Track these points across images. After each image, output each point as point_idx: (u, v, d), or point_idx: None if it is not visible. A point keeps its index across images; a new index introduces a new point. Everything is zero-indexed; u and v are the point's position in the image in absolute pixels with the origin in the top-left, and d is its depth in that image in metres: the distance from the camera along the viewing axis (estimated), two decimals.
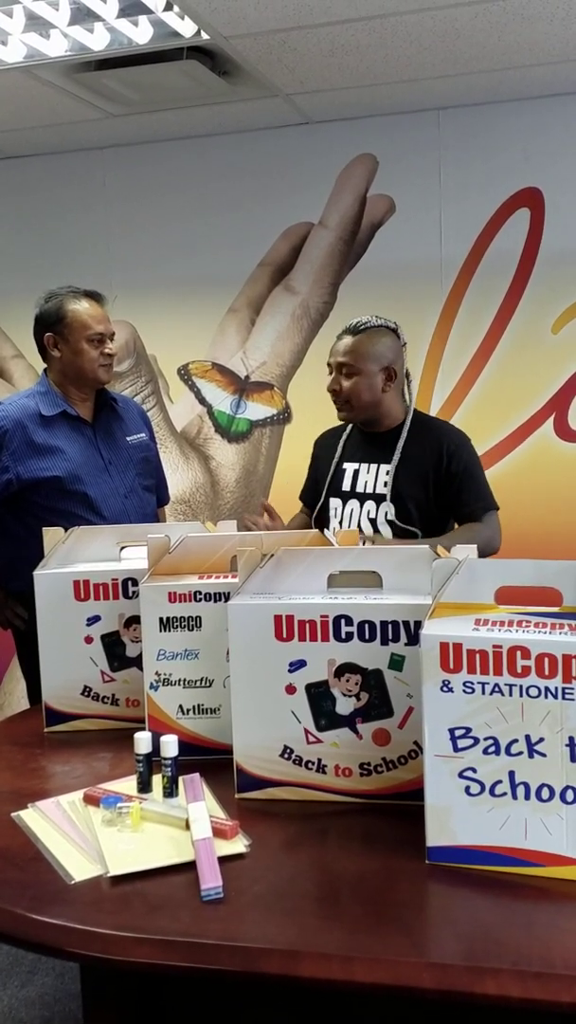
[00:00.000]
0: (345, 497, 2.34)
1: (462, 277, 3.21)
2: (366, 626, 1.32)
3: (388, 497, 2.26)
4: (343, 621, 1.32)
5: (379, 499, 2.28)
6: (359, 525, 2.31)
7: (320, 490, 2.41)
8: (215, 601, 1.49)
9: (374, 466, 2.31)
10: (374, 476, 2.30)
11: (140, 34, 2.35)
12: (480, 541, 2.18)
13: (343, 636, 1.33)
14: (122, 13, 2.24)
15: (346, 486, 2.34)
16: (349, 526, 2.33)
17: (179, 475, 3.50)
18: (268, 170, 3.35)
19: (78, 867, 1.20)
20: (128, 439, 2.38)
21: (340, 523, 2.35)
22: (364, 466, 2.33)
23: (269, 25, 2.34)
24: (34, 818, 1.35)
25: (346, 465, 2.37)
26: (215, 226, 3.41)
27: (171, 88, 2.77)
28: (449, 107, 3.14)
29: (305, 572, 1.39)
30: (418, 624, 1.28)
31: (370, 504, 2.29)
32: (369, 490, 2.30)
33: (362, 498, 2.31)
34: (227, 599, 1.39)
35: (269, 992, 1.29)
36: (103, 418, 2.36)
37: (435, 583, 1.21)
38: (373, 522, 2.29)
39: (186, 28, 2.34)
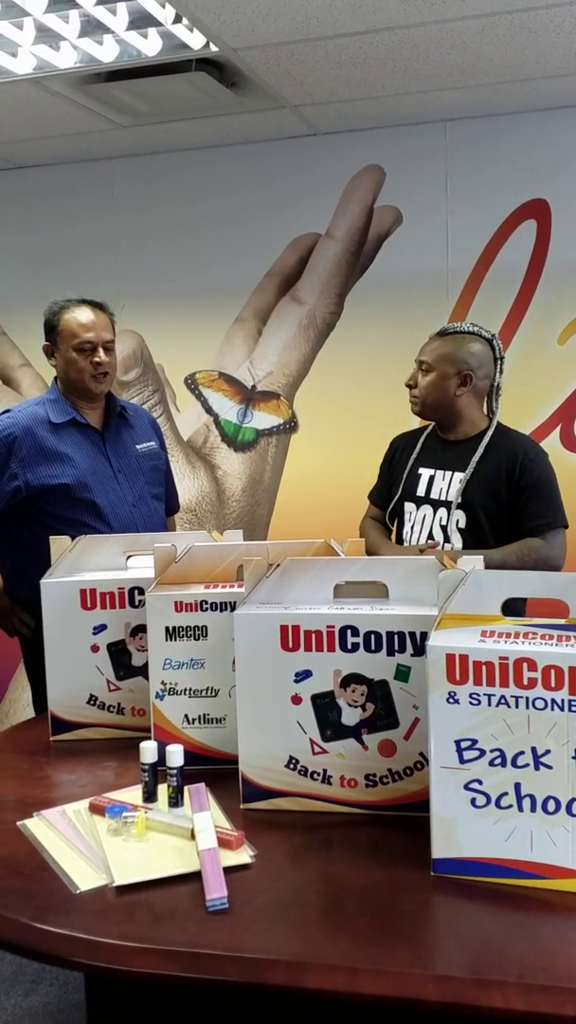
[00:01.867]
0: (419, 502, 2.37)
1: (468, 288, 3.22)
2: (372, 636, 1.32)
3: (460, 505, 2.28)
4: (349, 631, 1.33)
5: (451, 507, 2.29)
6: (430, 531, 2.33)
7: (393, 492, 2.44)
8: (221, 610, 1.49)
9: (449, 473, 2.33)
10: (448, 484, 2.32)
11: (149, 46, 2.37)
12: (533, 558, 2.19)
13: (349, 646, 1.33)
14: (131, 25, 2.26)
15: (420, 491, 2.37)
16: (421, 532, 2.35)
17: (185, 484, 3.51)
18: (275, 181, 3.36)
19: (83, 876, 1.20)
20: (138, 447, 2.38)
21: (412, 528, 2.37)
22: (440, 473, 2.35)
23: (277, 37, 2.36)
24: (39, 827, 1.35)
25: (422, 470, 2.39)
26: (222, 236, 3.43)
27: (179, 99, 2.78)
28: (456, 119, 3.15)
29: (311, 582, 1.39)
30: (424, 635, 1.28)
31: (442, 512, 2.31)
32: (442, 497, 2.32)
33: (435, 505, 2.33)
34: (233, 608, 1.39)
35: (273, 1002, 1.29)
36: (113, 426, 2.36)
37: (441, 594, 1.21)
38: (444, 529, 2.30)
39: (195, 40, 2.35)
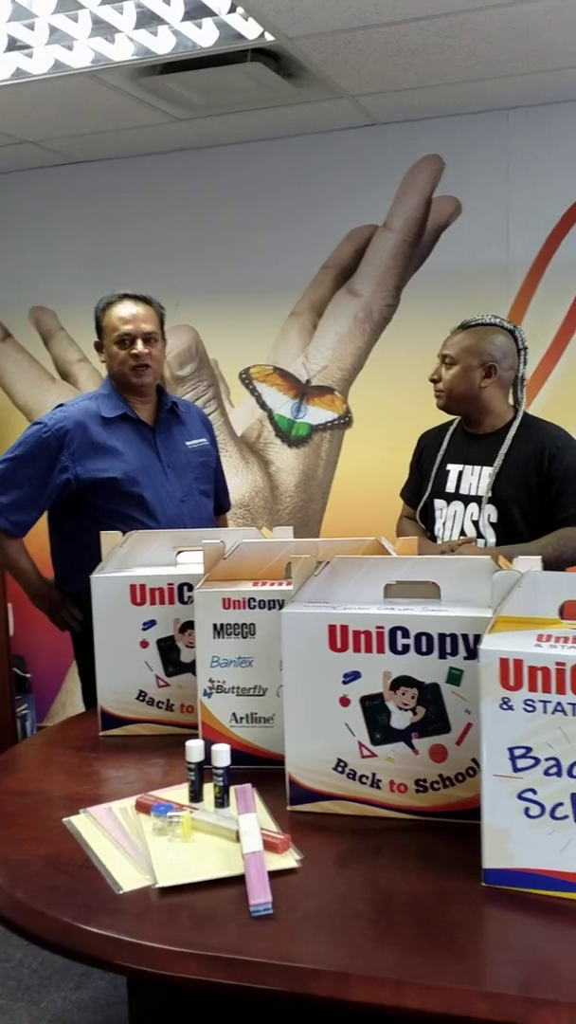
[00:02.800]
0: (449, 498, 2.35)
1: (529, 280, 3.14)
2: (423, 638, 1.28)
3: (491, 500, 2.25)
4: (399, 632, 1.29)
5: (482, 502, 2.27)
6: (462, 528, 2.31)
7: (423, 489, 2.41)
8: (269, 608, 1.47)
9: (478, 468, 2.30)
10: (477, 478, 2.29)
11: (204, 37, 2.35)
12: (570, 547, 2.14)
13: (399, 648, 1.29)
14: (186, 16, 2.24)
15: (450, 487, 2.35)
16: (453, 528, 2.33)
17: (238, 479, 3.50)
18: (332, 172, 3.32)
19: (127, 876, 1.19)
20: (188, 443, 2.37)
21: (443, 524, 2.35)
22: (468, 468, 2.32)
23: (334, 25, 2.32)
24: (85, 824, 1.35)
25: (450, 466, 2.36)
26: (278, 229, 3.40)
27: (236, 91, 2.76)
28: (518, 107, 3.08)
29: (361, 581, 1.36)
30: (477, 638, 1.24)
31: (473, 507, 2.29)
32: (472, 492, 2.30)
33: (465, 500, 2.31)
34: (282, 607, 1.37)
35: (317, 1011, 1.26)
36: (164, 421, 2.35)
37: (495, 596, 1.17)
38: (476, 525, 2.28)
39: (250, 30, 2.33)
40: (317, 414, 3.43)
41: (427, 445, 2.49)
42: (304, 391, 3.43)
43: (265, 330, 3.46)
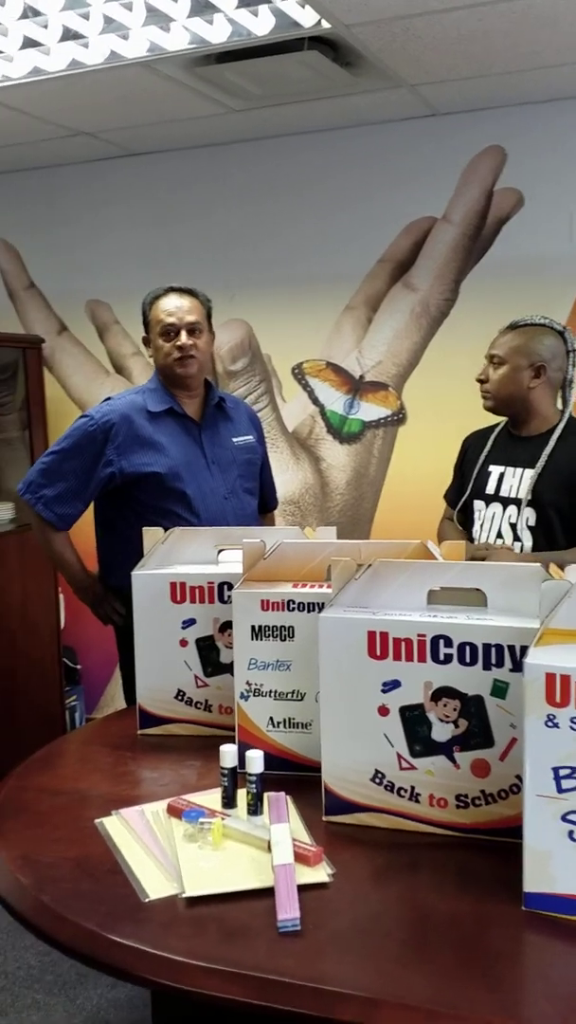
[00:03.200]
0: (488, 500, 2.31)
1: None
2: (467, 648, 1.23)
3: (530, 503, 2.20)
4: (442, 641, 1.24)
5: (521, 504, 2.23)
6: (499, 530, 2.26)
7: (464, 490, 2.38)
8: (309, 611, 1.43)
9: (519, 470, 2.26)
10: (518, 480, 2.25)
11: (260, 25, 2.31)
12: None
13: (441, 658, 1.24)
14: (241, 3, 2.20)
15: (490, 489, 2.31)
16: (491, 530, 2.29)
17: (289, 476, 3.46)
18: (391, 164, 3.26)
19: (155, 884, 1.17)
20: (234, 440, 2.34)
21: (482, 526, 2.31)
22: (510, 470, 2.29)
23: (392, 11, 2.26)
24: (116, 827, 1.33)
25: (492, 467, 2.33)
26: (334, 222, 3.35)
27: (293, 80, 2.71)
28: None
29: (403, 586, 1.31)
30: (524, 649, 1.18)
31: (512, 509, 2.25)
32: (512, 494, 2.26)
33: (505, 502, 2.27)
34: (321, 609, 1.32)
35: None
36: (210, 417, 2.33)
37: (544, 606, 1.11)
38: (514, 528, 2.23)
39: (307, 17, 2.28)
40: (370, 410, 3.37)
41: (471, 446, 2.46)
42: (357, 387, 3.37)
43: (319, 324, 3.41)
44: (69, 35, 2.36)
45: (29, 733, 3.28)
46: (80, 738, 1.81)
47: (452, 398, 3.21)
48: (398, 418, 3.34)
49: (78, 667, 3.86)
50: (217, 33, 2.35)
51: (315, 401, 3.44)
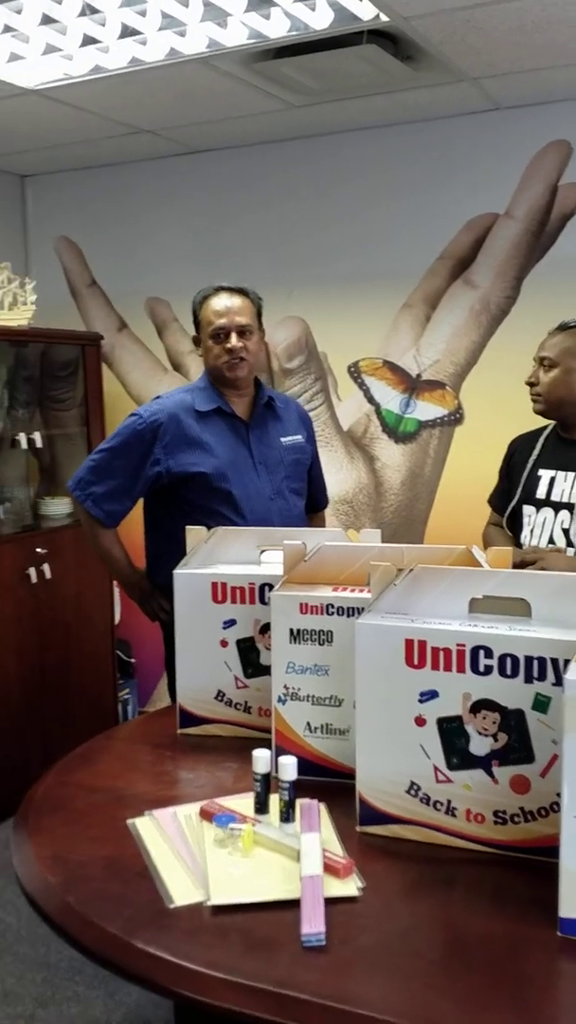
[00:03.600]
0: (539, 505, 2.25)
1: None
2: (508, 660, 1.19)
3: None
4: (482, 652, 1.20)
5: (573, 510, 2.17)
6: (551, 536, 2.20)
7: (512, 495, 2.32)
8: (348, 616, 1.40)
9: (572, 474, 2.21)
10: (570, 485, 2.20)
11: (318, 19, 2.28)
12: None
13: (481, 669, 1.20)
14: None
15: (540, 494, 2.25)
16: (541, 536, 2.23)
17: (343, 475, 3.42)
18: (452, 159, 3.19)
19: (181, 890, 1.15)
20: (282, 440, 2.32)
21: (531, 532, 2.26)
22: (561, 474, 2.23)
23: (452, 2, 2.20)
24: (148, 828, 1.32)
25: (542, 472, 2.27)
26: (394, 219, 3.30)
27: (352, 75, 2.67)
28: None
29: (444, 593, 1.27)
30: (568, 663, 1.13)
31: (564, 514, 2.19)
32: (564, 499, 2.20)
33: (556, 507, 2.21)
34: (360, 615, 1.29)
35: None
36: (259, 416, 2.30)
37: None
38: (566, 533, 2.18)
39: (365, 10, 2.24)
40: (427, 410, 3.32)
41: (518, 449, 2.39)
42: (414, 385, 3.32)
43: (376, 322, 3.36)
44: (127, 32, 2.36)
45: (82, 726, 3.31)
46: (122, 735, 1.81)
47: (511, 398, 3.13)
48: (455, 418, 3.28)
49: (132, 661, 3.89)
50: (275, 28, 2.33)
51: (371, 400, 3.39)
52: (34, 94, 2.80)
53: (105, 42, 2.41)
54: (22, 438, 3.26)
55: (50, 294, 3.81)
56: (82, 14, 2.27)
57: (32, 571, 3.19)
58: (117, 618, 3.69)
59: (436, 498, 3.33)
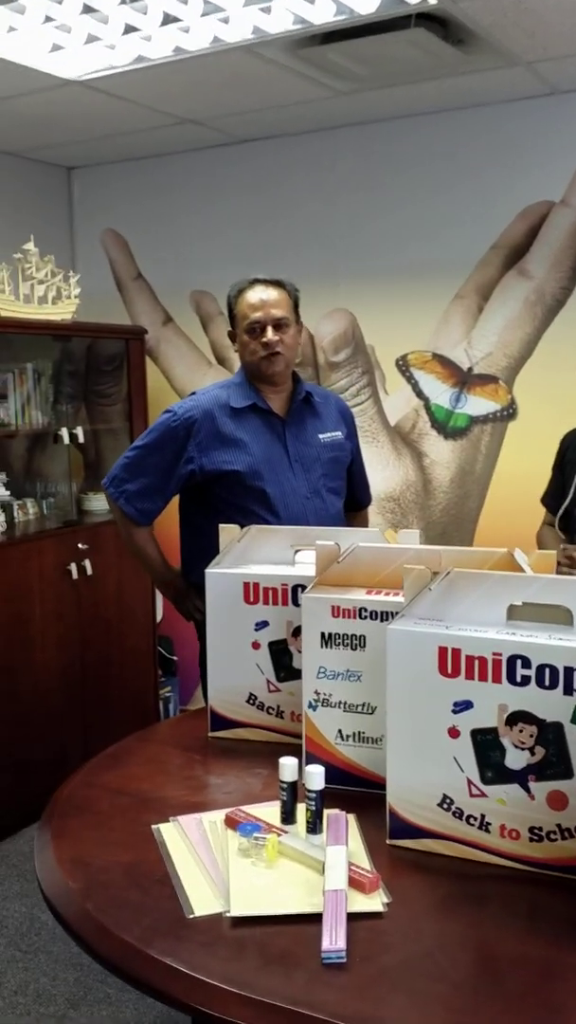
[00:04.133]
0: None
1: None
2: (546, 670, 1.13)
3: None
4: (519, 662, 1.14)
5: None
6: None
7: (566, 493, 2.23)
8: (382, 620, 1.35)
9: None
10: None
11: (364, 3, 2.21)
12: None
13: (518, 679, 1.14)
14: None
15: None
16: None
17: (389, 471, 3.35)
18: (506, 146, 3.11)
19: (201, 899, 1.12)
20: (320, 437, 2.26)
21: None
22: None
23: None
24: (172, 834, 1.29)
25: None
26: (445, 208, 3.22)
27: (400, 61, 2.61)
28: None
29: (481, 599, 1.22)
30: None
31: None
32: None
33: None
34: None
35: None
36: (296, 412, 2.25)
37: None
38: None
39: None
40: (478, 404, 3.23)
41: (571, 446, 2.30)
42: (465, 380, 3.24)
43: (426, 314, 3.29)
44: (169, 20, 2.32)
45: (122, 723, 3.30)
46: (153, 736, 1.78)
47: (567, 392, 3.04)
48: (508, 413, 3.19)
49: (174, 658, 3.88)
50: (320, 13, 2.27)
51: (419, 394, 3.32)
52: (77, 85, 2.79)
53: (147, 31, 2.38)
54: (64, 433, 3.26)
55: (96, 287, 3.81)
56: (123, 2, 2.24)
57: (73, 566, 3.19)
58: (159, 615, 3.68)
59: (487, 497, 3.24)
